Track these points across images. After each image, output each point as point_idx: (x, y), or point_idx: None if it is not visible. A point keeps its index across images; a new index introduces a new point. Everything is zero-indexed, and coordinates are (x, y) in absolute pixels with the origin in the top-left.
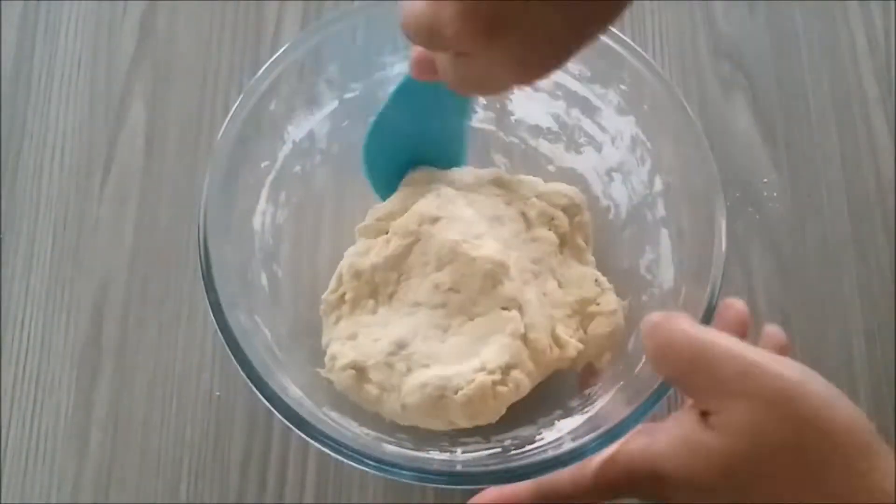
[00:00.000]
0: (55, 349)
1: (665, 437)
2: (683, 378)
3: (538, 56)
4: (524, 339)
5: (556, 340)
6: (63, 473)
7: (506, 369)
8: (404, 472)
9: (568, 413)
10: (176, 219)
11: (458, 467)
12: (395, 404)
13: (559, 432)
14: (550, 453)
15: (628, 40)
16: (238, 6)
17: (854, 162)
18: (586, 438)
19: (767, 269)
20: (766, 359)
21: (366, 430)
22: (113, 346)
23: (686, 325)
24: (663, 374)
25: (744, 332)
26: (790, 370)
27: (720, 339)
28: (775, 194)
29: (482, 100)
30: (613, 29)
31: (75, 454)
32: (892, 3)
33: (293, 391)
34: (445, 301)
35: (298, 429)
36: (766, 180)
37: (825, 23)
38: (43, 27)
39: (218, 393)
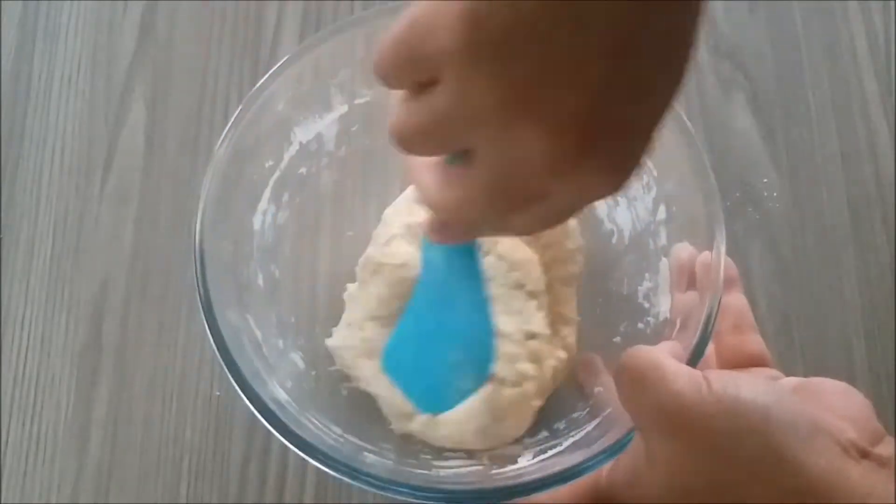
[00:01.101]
0: (55, 349)
1: (624, 459)
2: (625, 403)
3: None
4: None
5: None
6: (63, 473)
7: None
8: (377, 482)
9: (554, 436)
10: (176, 219)
11: (435, 484)
12: (446, 439)
13: (541, 455)
14: (527, 477)
15: None
16: (238, 6)
17: (854, 162)
18: (559, 468)
19: (767, 269)
20: (692, 392)
21: (351, 438)
22: (113, 346)
23: (649, 350)
24: (620, 398)
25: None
26: (709, 405)
27: (663, 366)
28: (775, 194)
29: None
30: None
31: (75, 454)
32: (893, 3)
33: (278, 393)
34: None
35: (276, 430)
36: (766, 180)
37: (825, 23)
38: (43, 27)
39: (218, 393)
